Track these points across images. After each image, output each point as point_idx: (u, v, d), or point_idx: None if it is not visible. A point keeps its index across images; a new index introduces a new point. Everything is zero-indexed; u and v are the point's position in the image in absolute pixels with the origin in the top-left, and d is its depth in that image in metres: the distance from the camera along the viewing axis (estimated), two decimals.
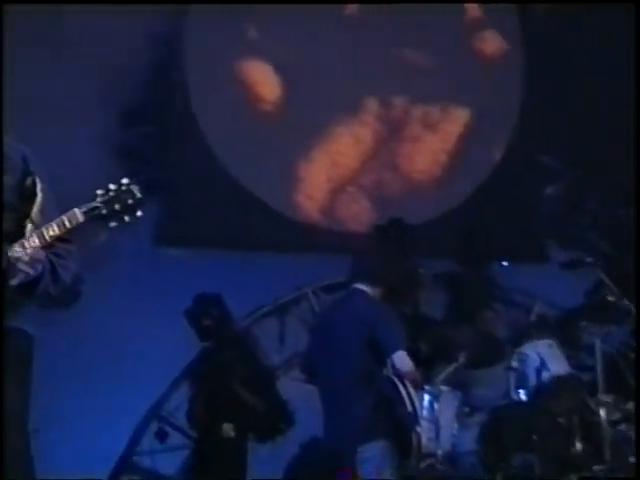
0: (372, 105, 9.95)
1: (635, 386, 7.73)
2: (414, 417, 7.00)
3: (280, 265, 9.38)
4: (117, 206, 4.03)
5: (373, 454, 6.94)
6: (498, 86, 10.12)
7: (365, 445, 6.91)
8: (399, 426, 6.98)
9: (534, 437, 8.06)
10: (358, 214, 9.92)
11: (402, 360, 6.94)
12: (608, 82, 9.84)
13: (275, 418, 8.52)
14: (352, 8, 9.93)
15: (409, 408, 6.93)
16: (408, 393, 6.95)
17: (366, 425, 6.95)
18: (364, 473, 6.91)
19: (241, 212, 9.64)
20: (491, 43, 10.17)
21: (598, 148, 9.93)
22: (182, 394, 8.98)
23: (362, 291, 7.22)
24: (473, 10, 10.03)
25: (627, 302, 9.05)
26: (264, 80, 9.74)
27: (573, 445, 8.16)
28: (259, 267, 9.34)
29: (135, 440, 9.06)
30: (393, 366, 6.96)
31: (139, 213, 4.10)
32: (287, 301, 9.57)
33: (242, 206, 9.62)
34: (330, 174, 9.94)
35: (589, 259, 9.07)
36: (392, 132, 10.08)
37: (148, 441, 9.06)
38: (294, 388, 8.61)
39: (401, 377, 6.94)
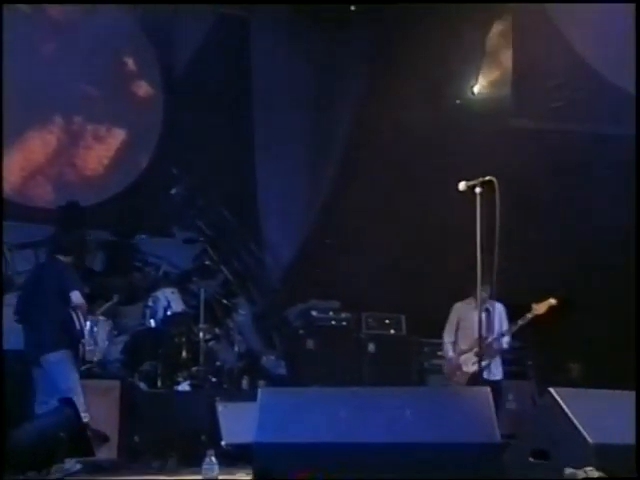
0: (57, 119, 10.51)
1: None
2: (80, 333, 7.77)
3: None
4: None
5: (58, 359, 7.64)
6: (146, 117, 10.96)
7: (52, 353, 7.61)
8: (75, 341, 7.76)
9: (159, 350, 9.25)
10: (43, 195, 10.40)
11: (76, 296, 7.69)
12: (226, 115, 10.89)
13: None
14: (50, 48, 10.37)
15: (77, 327, 7.72)
16: (78, 318, 7.74)
17: (52, 339, 7.63)
18: (53, 372, 7.59)
19: None
20: (143, 88, 10.93)
21: (210, 165, 10.93)
22: None
23: (57, 258, 7.97)
24: (130, 64, 10.80)
25: (221, 265, 10.64)
26: None
27: (181, 355, 9.40)
28: None
29: None
30: (70, 301, 7.66)
31: None
32: None
33: None
34: (23, 165, 10.36)
35: (200, 238, 10.57)
36: (71, 140, 10.59)
37: None
38: None
39: (75, 308, 7.71)
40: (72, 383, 7.64)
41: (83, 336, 7.84)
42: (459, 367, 8.42)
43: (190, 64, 10.76)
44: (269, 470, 5.28)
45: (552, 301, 8.03)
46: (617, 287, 9.77)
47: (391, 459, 5.19)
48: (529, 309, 8.14)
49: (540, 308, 8.06)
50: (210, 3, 10.62)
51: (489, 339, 8.07)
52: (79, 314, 7.78)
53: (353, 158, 11.08)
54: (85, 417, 7.47)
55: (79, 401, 7.52)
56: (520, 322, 8.18)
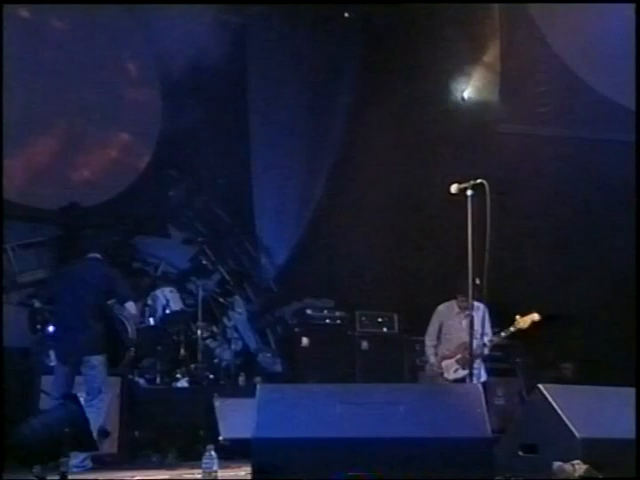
0: (60, 123, 10.53)
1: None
2: (131, 341, 7.81)
3: None
4: None
5: (100, 362, 7.62)
6: (145, 121, 10.97)
7: (91, 356, 7.58)
8: (119, 346, 7.70)
9: (158, 348, 9.36)
10: (46, 197, 10.33)
11: (131, 307, 7.78)
12: (223, 119, 10.82)
13: None
14: (52, 54, 10.24)
15: (130, 335, 7.78)
16: (131, 327, 7.80)
17: (92, 344, 7.58)
18: (90, 374, 7.58)
19: None
20: (142, 93, 10.98)
21: (207, 167, 11.02)
22: None
23: (97, 258, 7.90)
24: (131, 69, 10.82)
25: (217, 265, 10.71)
26: None
27: (180, 352, 9.56)
28: None
29: None
30: (124, 310, 7.71)
31: None
32: None
33: None
34: (27, 168, 10.36)
35: (199, 239, 10.64)
36: (74, 145, 10.61)
37: None
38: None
39: (128, 317, 7.75)
40: (104, 386, 7.67)
41: (133, 345, 7.87)
42: (441, 374, 8.31)
43: (188, 69, 10.63)
44: (268, 464, 5.27)
45: (536, 316, 7.79)
46: (606, 290, 9.84)
47: (386, 453, 5.20)
48: (514, 319, 7.87)
49: (524, 322, 7.81)
50: (209, 3, 10.59)
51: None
52: (131, 323, 7.78)
53: (347, 160, 11.11)
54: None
55: (105, 402, 7.61)
56: (503, 334, 7.98)
